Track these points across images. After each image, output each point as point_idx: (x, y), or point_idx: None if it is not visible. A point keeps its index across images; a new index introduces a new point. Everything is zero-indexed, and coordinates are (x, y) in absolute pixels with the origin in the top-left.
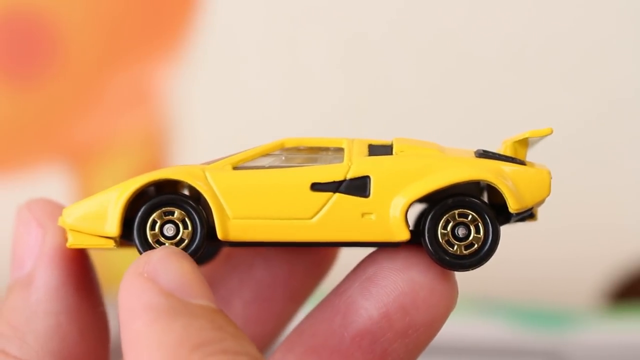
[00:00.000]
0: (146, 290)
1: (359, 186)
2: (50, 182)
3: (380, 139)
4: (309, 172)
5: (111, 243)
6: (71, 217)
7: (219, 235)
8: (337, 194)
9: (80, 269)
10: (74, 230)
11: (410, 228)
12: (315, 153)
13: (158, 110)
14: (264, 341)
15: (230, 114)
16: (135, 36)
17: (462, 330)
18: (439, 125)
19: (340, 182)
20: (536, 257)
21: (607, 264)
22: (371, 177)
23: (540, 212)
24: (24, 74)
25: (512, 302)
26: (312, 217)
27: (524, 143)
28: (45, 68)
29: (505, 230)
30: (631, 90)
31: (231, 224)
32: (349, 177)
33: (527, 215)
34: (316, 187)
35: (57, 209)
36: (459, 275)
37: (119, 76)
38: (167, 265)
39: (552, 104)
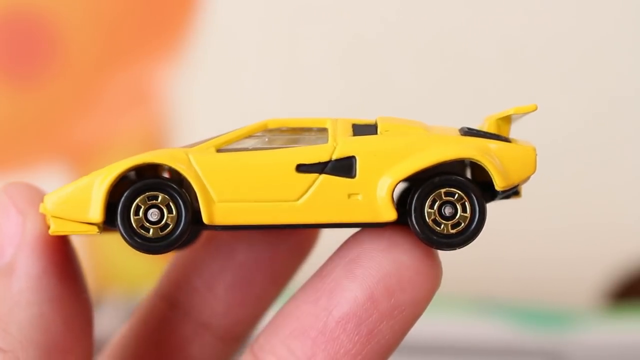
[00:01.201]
0: None
1: (344, 167)
2: (50, 182)
3: (363, 119)
4: (294, 153)
5: (95, 229)
6: (53, 203)
7: (205, 220)
8: (323, 175)
9: (62, 256)
10: (56, 217)
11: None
12: (298, 134)
13: (158, 110)
14: (247, 324)
15: (230, 113)
16: (135, 36)
17: (462, 330)
18: (437, 123)
19: (326, 163)
20: (536, 257)
21: (607, 264)
22: (357, 157)
23: (541, 212)
24: (24, 74)
25: (512, 302)
26: (298, 199)
27: (507, 120)
28: (45, 68)
29: (505, 229)
30: (631, 89)
31: (216, 208)
32: (334, 157)
33: (512, 192)
34: (301, 168)
35: (36, 195)
36: (459, 274)
37: (119, 76)
38: None
39: (551, 104)
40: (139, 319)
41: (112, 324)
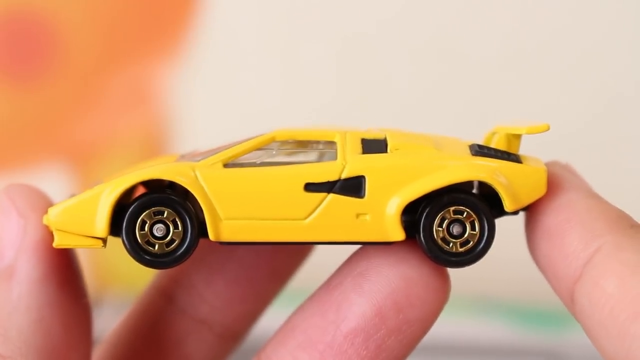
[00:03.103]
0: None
1: (353, 186)
2: (50, 182)
3: (372, 132)
4: (302, 171)
5: (99, 243)
6: (57, 216)
7: (211, 237)
8: (332, 195)
9: (62, 261)
10: (59, 230)
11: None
12: (306, 147)
13: (158, 110)
14: (246, 321)
15: (230, 113)
16: (135, 36)
17: (462, 330)
18: (435, 123)
19: (335, 182)
20: None
21: None
22: (366, 177)
23: None
24: (24, 74)
25: (512, 302)
26: (305, 218)
27: (518, 135)
28: (45, 68)
29: (506, 228)
30: (630, 89)
31: (223, 225)
32: (343, 177)
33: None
34: (310, 187)
35: (38, 197)
36: (458, 274)
37: (118, 76)
38: None
39: (550, 103)
40: (135, 313)
41: (112, 325)
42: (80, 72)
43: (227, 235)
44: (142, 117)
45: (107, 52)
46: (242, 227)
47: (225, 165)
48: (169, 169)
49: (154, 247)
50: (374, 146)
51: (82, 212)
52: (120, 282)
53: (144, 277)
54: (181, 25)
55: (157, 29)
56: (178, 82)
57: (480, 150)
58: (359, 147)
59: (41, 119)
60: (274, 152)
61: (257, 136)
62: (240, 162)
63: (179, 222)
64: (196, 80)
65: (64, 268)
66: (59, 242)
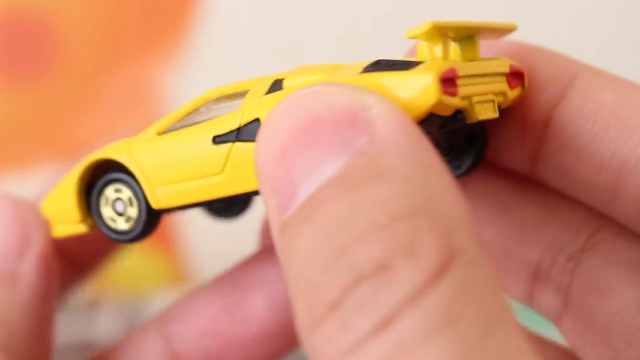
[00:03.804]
0: None
1: (251, 131)
2: (50, 183)
3: (289, 71)
4: (211, 125)
5: (83, 227)
6: (47, 209)
7: (153, 205)
8: (236, 143)
9: (55, 266)
10: (53, 221)
11: None
12: (233, 99)
13: (158, 110)
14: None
15: None
16: (135, 36)
17: None
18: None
19: (237, 130)
20: None
21: None
22: (260, 119)
23: None
24: (24, 75)
25: (512, 302)
26: (221, 172)
27: (472, 45)
28: (45, 68)
29: None
30: None
31: (158, 193)
32: (242, 123)
33: (459, 119)
34: (217, 140)
35: (39, 208)
36: None
37: (118, 76)
38: None
39: None
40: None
41: (110, 326)
42: (80, 72)
43: (164, 202)
44: (142, 117)
45: (107, 52)
46: (173, 192)
47: (160, 134)
48: (106, 149)
49: (119, 223)
50: (276, 86)
51: (59, 200)
52: (120, 282)
53: (144, 277)
54: (181, 25)
55: (157, 29)
56: (178, 82)
57: (375, 66)
58: (265, 90)
59: (41, 119)
60: (203, 111)
61: (191, 100)
62: (173, 127)
63: (133, 198)
64: (196, 80)
65: (57, 270)
66: (54, 232)
